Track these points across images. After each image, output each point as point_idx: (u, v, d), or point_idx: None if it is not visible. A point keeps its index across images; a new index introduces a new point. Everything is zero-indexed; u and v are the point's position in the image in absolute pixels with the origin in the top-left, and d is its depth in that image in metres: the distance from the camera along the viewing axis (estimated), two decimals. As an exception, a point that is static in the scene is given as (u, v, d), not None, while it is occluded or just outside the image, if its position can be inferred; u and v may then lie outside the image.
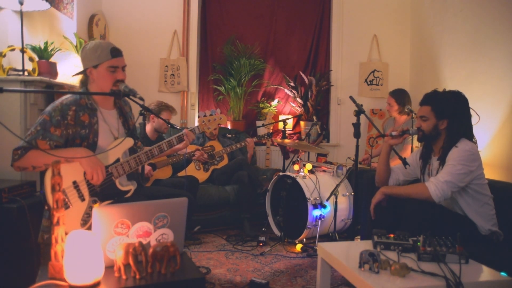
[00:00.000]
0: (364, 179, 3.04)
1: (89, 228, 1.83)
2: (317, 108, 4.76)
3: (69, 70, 3.13)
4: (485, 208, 2.20)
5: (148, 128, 3.42)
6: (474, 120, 2.28)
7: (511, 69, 3.08)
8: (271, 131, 4.46)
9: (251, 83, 4.78)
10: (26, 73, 2.63)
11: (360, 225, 3.08)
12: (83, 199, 1.89)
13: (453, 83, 3.78)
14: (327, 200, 3.19)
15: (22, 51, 2.63)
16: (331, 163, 3.87)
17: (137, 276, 1.49)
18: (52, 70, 2.86)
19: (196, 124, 2.27)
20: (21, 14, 2.64)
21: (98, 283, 1.44)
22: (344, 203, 3.34)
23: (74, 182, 1.88)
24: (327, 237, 3.37)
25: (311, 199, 3.16)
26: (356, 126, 2.53)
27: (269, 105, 4.84)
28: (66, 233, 1.50)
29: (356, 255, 1.66)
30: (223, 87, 4.71)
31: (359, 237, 3.01)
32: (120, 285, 1.45)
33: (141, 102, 1.96)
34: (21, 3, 2.61)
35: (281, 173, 3.48)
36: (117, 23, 4.53)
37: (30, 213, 2.11)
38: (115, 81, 1.97)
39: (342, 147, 4.79)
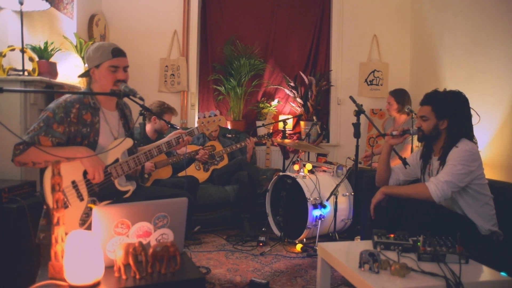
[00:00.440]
0: (364, 179, 3.04)
1: (88, 228, 1.84)
2: (317, 108, 4.76)
3: (69, 70, 3.14)
4: (485, 208, 2.20)
5: (148, 128, 3.43)
6: (474, 120, 2.28)
7: (511, 69, 3.08)
8: (271, 131, 4.46)
9: (251, 83, 4.78)
10: (26, 73, 2.63)
11: (360, 225, 3.08)
12: (82, 199, 1.90)
13: (453, 83, 3.78)
14: (327, 200, 3.18)
15: (22, 51, 2.63)
16: (331, 163, 3.87)
17: (137, 276, 1.49)
18: (52, 70, 2.86)
19: (196, 125, 2.27)
20: (21, 14, 2.64)
21: (98, 283, 1.44)
22: (344, 203, 3.34)
23: (73, 182, 1.88)
24: (327, 237, 3.37)
25: (311, 199, 3.16)
26: (356, 126, 2.53)
27: (269, 105, 4.84)
28: (65, 233, 1.50)
29: (356, 255, 1.66)
30: (223, 87, 4.71)
31: (359, 237, 3.01)
32: (120, 285, 1.45)
33: (141, 102, 1.97)
34: (21, 3, 2.61)
35: (281, 173, 3.48)
36: (117, 23, 4.53)
37: (30, 213, 2.11)
38: (116, 81, 1.98)
39: (342, 147, 4.79)
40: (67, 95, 1.96)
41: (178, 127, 2.57)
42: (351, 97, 2.66)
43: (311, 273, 2.76)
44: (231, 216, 3.74)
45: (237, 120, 4.73)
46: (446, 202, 2.26)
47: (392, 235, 1.88)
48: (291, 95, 4.78)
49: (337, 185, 3.13)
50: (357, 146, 2.57)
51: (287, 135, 4.14)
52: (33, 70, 2.72)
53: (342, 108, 4.81)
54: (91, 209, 1.90)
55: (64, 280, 1.44)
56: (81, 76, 2.14)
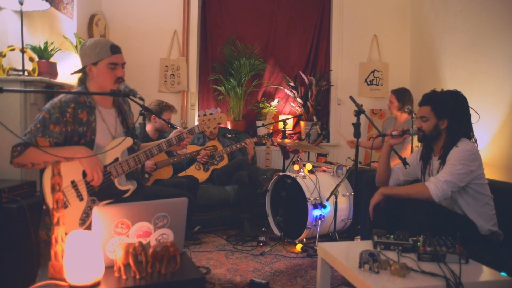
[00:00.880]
0: (364, 179, 3.04)
1: (88, 228, 1.84)
2: (317, 108, 4.76)
3: (69, 70, 3.14)
4: (485, 208, 2.20)
5: (149, 127, 3.43)
6: (474, 119, 2.28)
7: (511, 69, 3.08)
8: (271, 131, 4.46)
9: (251, 83, 4.78)
10: (26, 73, 2.63)
11: (360, 225, 3.08)
12: (81, 199, 1.89)
13: (453, 83, 3.78)
14: (327, 200, 3.19)
15: (22, 51, 2.63)
16: (331, 163, 3.87)
17: (137, 276, 1.49)
18: (52, 70, 2.86)
19: (196, 123, 2.25)
20: (21, 14, 2.64)
21: (98, 283, 1.44)
22: (344, 203, 3.34)
23: (73, 182, 1.87)
24: (327, 237, 3.37)
25: (311, 199, 3.16)
26: (356, 126, 2.53)
27: (269, 105, 4.85)
28: (65, 233, 1.50)
29: (356, 255, 1.66)
30: (223, 87, 4.71)
31: (359, 237, 3.01)
32: (120, 285, 1.45)
33: (141, 102, 1.96)
34: (21, 3, 2.61)
35: (281, 173, 3.48)
36: (117, 23, 4.53)
37: (30, 213, 2.11)
38: (116, 79, 1.96)
39: (342, 147, 4.79)
40: (61, 95, 1.93)
41: (178, 127, 2.57)
42: (351, 97, 2.66)
43: (311, 273, 2.76)
44: (231, 216, 3.74)
45: (237, 120, 4.73)
46: (446, 202, 2.26)
47: (392, 235, 1.88)
48: (291, 95, 4.78)
49: (337, 185, 3.13)
50: (357, 146, 2.57)
51: (287, 135, 4.14)
52: (33, 70, 2.72)
53: (342, 108, 4.82)
54: (91, 208, 1.90)
55: (64, 280, 1.44)
56: (75, 73, 2.07)
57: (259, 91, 4.90)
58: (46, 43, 2.86)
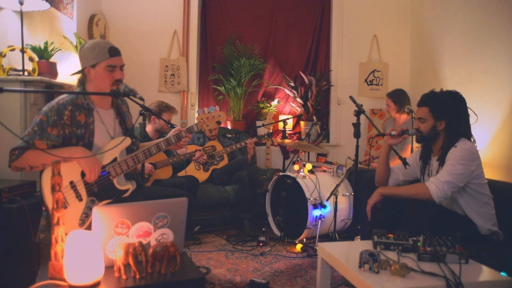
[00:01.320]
0: (364, 179, 3.04)
1: (87, 228, 1.84)
2: (317, 108, 4.76)
3: (69, 70, 3.14)
4: (485, 208, 2.20)
5: (149, 128, 3.43)
6: (472, 120, 2.28)
7: (511, 69, 3.08)
8: (271, 131, 4.46)
9: (251, 83, 4.78)
10: (26, 73, 2.63)
11: (360, 225, 3.08)
12: (80, 199, 1.89)
13: (453, 83, 3.78)
14: (327, 200, 3.19)
15: (22, 51, 2.63)
16: (331, 163, 3.87)
17: (137, 276, 1.49)
18: (52, 70, 2.86)
19: (195, 121, 2.24)
20: (21, 14, 2.64)
21: (98, 283, 1.44)
22: (344, 203, 3.34)
23: (71, 182, 1.87)
24: (327, 237, 3.37)
25: (311, 199, 3.16)
26: (356, 126, 2.53)
27: (269, 105, 4.85)
28: (65, 234, 1.50)
29: (356, 255, 1.66)
30: (223, 87, 4.71)
31: (359, 237, 3.01)
32: (120, 285, 1.45)
33: (141, 102, 1.96)
34: (21, 3, 2.61)
35: (281, 173, 3.48)
36: (117, 23, 4.53)
37: (30, 213, 2.11)
38: (114, 81, 1.97)
39: (342, 147, 4.79)
40: (60, 97, 1.93)
41: (177, 127, 2.56)
42: (351, 97, 2.66)
43: (311, 273, 2.76)
44: (231, 216, 3.74)
45: (237, 120, 4.73)
46: (446, 202, 2.26)
47: (392, 235, 1.88)
48: (291, 95, 4.78)
49: (337, 185, 3.13)
50: (357, 146, 2.57)
51: (287, 135, 4.14)
52: (33, 70, 2.72)
53: (342, 108, 4.81)
54: (90, 209, 1.89)
55: (64, 280, 1.44)
56: (75, 74, 2.07)
57: (259, 91, 4.90)
58: (46, 43, 2.86)
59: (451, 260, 1.67)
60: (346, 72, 4.83)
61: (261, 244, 3.29)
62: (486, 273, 1.68)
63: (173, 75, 4.61)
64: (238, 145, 3.83)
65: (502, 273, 1.63)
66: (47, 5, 2.84)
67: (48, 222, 1.85)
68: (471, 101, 2.30)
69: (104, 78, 1.96)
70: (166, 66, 4.61)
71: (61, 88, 2.83)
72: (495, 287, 1.60)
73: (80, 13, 3.80)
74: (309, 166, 3.51)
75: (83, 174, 1.89)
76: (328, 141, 4.84)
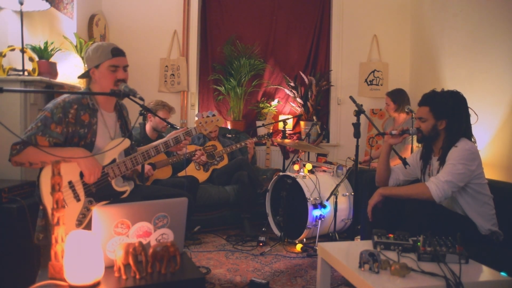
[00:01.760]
0: (364, 179, 3.04)
1: (85, 228, 1.84)
2: (317, 108, 4.76)
3: (69, 70, 3.14)
4: (485, 208, 2.20)
5: (148, 127, 3.43)
6: (472, 119, 2.28)
7: (511, 69, 3.08)
8: (271, 131, 4.46)
9: (251, 83, 4.78)
10: (26, 73, 2.63)
11: (360, 225, 3.08)
12: (78, 200, 1.89)
13: (453, 83, 3.78)
14: (327, 200, 3.18)
15: (22, 51, 2.63)
16: (331, 163, 3.87)
17: (137, 276, 1.49)
18: (52, 70, 2.86)
19: (194, 125, 2.25)
20: (21, 14, 2.64)
21: (98, 283, 1.44)
22: (344, 203, 3.34)
23: (70, 182, 1.87)
24: (327, 237, 3.37)
25: (311, 199, 3.16)
26: (356, 126, 2.53)
27: (269, 105, 4.85)
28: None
29: (356, 255, 1.66)
30: (223, 87, 4.71)
31: (359, 237, 3.01)
32: (120, 285, 1.45)
33: (141, 102, 1.96)
34: (21, 3, 2.61)
35: (281, 173, 3.48)
36: (117, 23, 4.53)
37: (30, 213, 2.11)
38: (116, 81, 1.97)
39: (342, 147, 4.79)
40: (65, 95, 1.94)
41: (177, 127, 2.57)
42: (351, 97, 2.66)
43: (311, 273, 2.76)
44: (231, 216, 3.74)
45: (237, 120, 4.73)
46: (446, 202, 2.26)
47: (392, 235, 1.88)
48: (291, 95, 4.78)
49: (337, 185, 3.13)
50: (357, 146, 2.57)
51: (287, 135, 4.14)
52: (33, 70, 2.72)
53: (342, 108, 4.82)
54: (87, 209, 1.90)
55: (64, 280, 1.44)
56: (81, 77, 2.13)
57: (259, 91, 4.90)
58: (46, 43, 2.86)
59: (451, 260, 1.67)
60: (346, 72, 4.83)
61: (261, 244, 3.29)
62: (486, 273, 1.68)
63: (173, 75, 4.61)
64: (238, 145, 3.83)
65: (502, 273, 1.63)
66: (47, 5, 2.84)
67: (46, 222, 1.85)
68: (471, 101, 2.30)
69: (107, 77, 1.97)
70: (166, 66, 4.61)
71: (61, 88, 2.83)
72: (495, 287, 1.60)
73: (80, 13, 3.80)
74: (309, 166, 3.51)
75: (82, 174, 1.89)
76: (328, 141, 4.84)
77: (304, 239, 3.27)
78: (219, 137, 4.04)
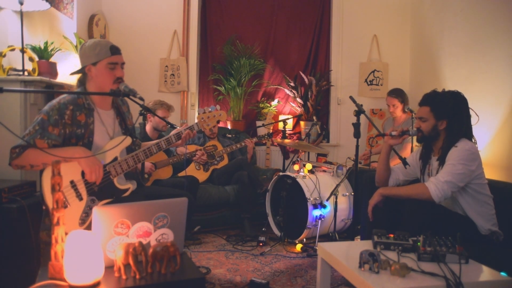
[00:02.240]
0: (364, 179, 3.05)
1: (88, 228, 1.84)
2: (317, 108, 4.76)
3: (69, 70, 3.13)
4: (485, 208, 2.20)
5: (148, 127, 3.44)
6: (473, 120, 2.28)
7: (511, 69, 3.08)
8: (271, 131, 4.46)
9: (251, 83, 4.78)
10: (26, 73, 2.63)
11: (360, 225, 3.08)
12: (81, 199, 1.89)
13: (453, 83, 3.78)
14: (327, 200, 3.19)
15: (22, 51, 2.63)
16: (331, 163, 3.87)
17: (137, 276, 1.49)
18: (52, 70, 2.86)
19: (196, 121, 2.23)
20: (21, 14, 2.64)
21: (98, 283, 1.44)
22: (344, 203, 3.34)
23: (72, 182, 1.87)
24: (327, 237, 3.37)
25: (311, 199, 3.16)
26: (356, 126, 2.53)
27: (269, 105, 4.85)
28: (65, 233, 1.50)
29: (356, 255, 1.66)
30: (223, 87, 4.71)
31: (359, 237, 3.01)
32: (120, 285, 1.45)
33: (141, 102, 1.96)
34: (21, 3, 2.61)
35: (281, 173, 3.48)
36: (117, 23, 4.53)
37: (30, 213, 2.11)
38: (115, 79, 1.97)
39: (342, 147, 4.79)
40: (61, 96, 1.94)
41: (177, 126, 2.57)
42: (351, 97, 2.66)
43: (311, 273, 2.76)
44: (231, 216, 3.74)
45: (237, 120, 4.73)
46: (446, 202, 2.26)
47: (392, 235, 1.88)
48: (291, 95, 4.78)
49: (337, 185, 3.13)
50: (357, 146, 2.57)
51: (287, 135, 4.14)
52: (33, 70, 2.72)
53: (342, 108, 4.82)
54: (90, 208, 1.90)
55: (64, 280, 1.44)
56: (75, 73, 2.07)
57: (259, 91, 4.90)
58: (46, 43, 2.86)
59: (451, 260, 1.67)
60: (346, 72, 4.83)
61: (261, 244, 3.29)
62: (486, 273, 1.68)
63: (173, 75, 4.61)
64: (238, 145, 3.83)
65: (502, 273, 1.63)
66: (47, 5, 2.84)
67: (50, 221, 1.85)
68: (471, 101, 2.30)
69: (105, 75, 1.96)
70: (166, 66, 4.61)
71: (61, 88, 2.83)
72: (495, 287, 1.60)
73: (80, 13, 3.80)
74: (309, 166, 3.51)
75: (83, 173, 1.89)
76: (328, 141, 4.84)
77: (304, 239, 3.27)
78: (219, 137, 4.04)
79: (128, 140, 2.02)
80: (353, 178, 2.86)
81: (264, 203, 3.61)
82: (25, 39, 2.67)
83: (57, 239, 1.51)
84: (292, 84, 4.75)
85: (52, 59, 2.91)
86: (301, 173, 3.44)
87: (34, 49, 2.80)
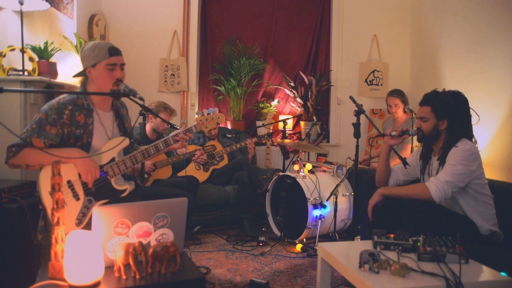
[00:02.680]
0: (364, 179, 3.05)
1: (85, 228, 1.84)
2: (317, 108, 4.76)
3: (69, 70, 3.13)
4: (485, 208, 2.20)
5: (148, 128, 3.43)
6: (473, 120, 2.28)
7: (511, 69, 3.08)
8: (271, 131, 4.46)
9: (251, 83, 4.78)
10: (26, 73, 2.63)
11: (360, 225, 3.08)
12: (78, 199, 1.89)
13: (453, 83, 3.78)
14: (327, 200, 3.19)
15: (22, 51, 2.63)
16: (331, 163, 3.87)
17: (137, 276, 1.49)
18: (52, 70, 2.86)
19: (194, 123, 2.23)
20: (21, 14, 2.64)
21: (98, 283, 1.44)
22: (344, 203, 3.34)
23: (69, 182, 1.87)
24: (327, 237, 3.37)
25: (311, 199, 3.16)
26: (356, 126, 2.53)
27: (269, 105, 4.85)
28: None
29: (356, 255, 1.66)
30: (223, 87, 4.71)
31: (359, 237, 3.01)
32: (120, 285, 1.45)
33: (141, 102, 1.96)
34: (21, 3, 2.61)
35: (281, 173, 3.48)
36: (117, 23, 4.53)
37: (30, 213, 2.11)
38: (115, 80, 1.97)
39: (342, 147, 4.79)
40: (60, 96, 1.94)
41: (178, 127, 2.57)
42: (351, 97, 2.66)
43: (311, 273, 2.76)
44: (231, 216, 3.74)
45: (237, 120, 4.73)
46: (446, 202, 2.26)
47: (392, 235, 1.88)
48: (291, 95, 4.78)
49: (337, 185, 3.13)
50: (357, 146, 2.57)
51: (287, 135, 4.14)
52: (33, 70, 2.72)
53: (342, 108, 4.82)
54: (87, 208, 1.89)
55: (64, 280, 1.44)
56: (76, 75, 2.09)
57: (259, 91, 4.90)
58: (46, 43, 2.86)
59: (451, 260, 1.67)
60: (346, 72, 4.83)
61: (261, 244, 3.29)
62: (486, 273, 1.68)
63: (173, 75, 4.61)
64: (238, 145, 3.83)
65: (502, 273, 1.63)
66: (47, 5, 2.84)
67: (45, 222, 1.85)
68: (471, 101, 2.30)
69: (105, 77, 1.96)
70: (166, 66, 4.61)
71: (61, 88, 2.83)
72: (495, 287, 1.60)
73: (80, 13, 3.80)
74: (309, 166, 3.51)
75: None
76: (328, 141, 4.84)
77: (304, 239, 3.27)
78: (219, 137, 4.04)
79: (126, 141, 2.02)
80: (353, 178, 2.86)
81: (264, 203, 3.61)
82: (25, 39, 2.67)
83: (57, 239, 1.51)
84: (292, 84, 4.75)
85: (52, 59, 2.91)
86: (301, 173, 3.44)
87: (34, 49, 2.80)
